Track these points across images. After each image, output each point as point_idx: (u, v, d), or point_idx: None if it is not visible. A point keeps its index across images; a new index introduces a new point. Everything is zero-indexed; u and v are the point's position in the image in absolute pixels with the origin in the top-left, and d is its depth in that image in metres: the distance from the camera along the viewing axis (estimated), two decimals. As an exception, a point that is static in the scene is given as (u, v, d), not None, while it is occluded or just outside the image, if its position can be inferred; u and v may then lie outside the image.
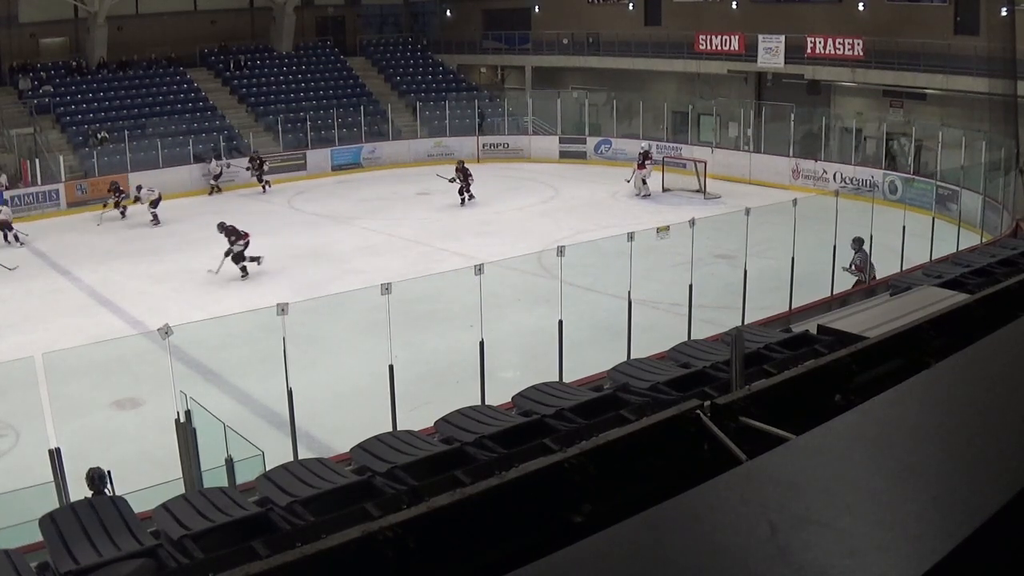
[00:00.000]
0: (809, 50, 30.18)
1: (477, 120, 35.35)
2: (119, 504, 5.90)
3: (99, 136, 30.52)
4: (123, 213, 26.36)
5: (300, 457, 8.63)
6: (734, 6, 33.40)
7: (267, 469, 6.78)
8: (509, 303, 16.18)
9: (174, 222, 25.76)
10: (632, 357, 10.02)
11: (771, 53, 31.24)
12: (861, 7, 29.86)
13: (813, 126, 29.51)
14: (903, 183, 25.48)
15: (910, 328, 3.79)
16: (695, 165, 28.55)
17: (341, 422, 11.38)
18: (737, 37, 32.40)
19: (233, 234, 19.74)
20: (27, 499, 7.36)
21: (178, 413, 8.23)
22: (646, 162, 27.69)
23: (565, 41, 38.33)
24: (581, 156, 34.13)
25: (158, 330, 8.87)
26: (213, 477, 7.95)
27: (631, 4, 36.96)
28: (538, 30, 39.43)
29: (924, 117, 28.23)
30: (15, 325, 16.90)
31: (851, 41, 29.24)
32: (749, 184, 28.93)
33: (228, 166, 30.16)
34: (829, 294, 14.67)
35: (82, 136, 30.69)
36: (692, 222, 13.21)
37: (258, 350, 12.95)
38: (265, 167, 30.02)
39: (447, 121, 34.86)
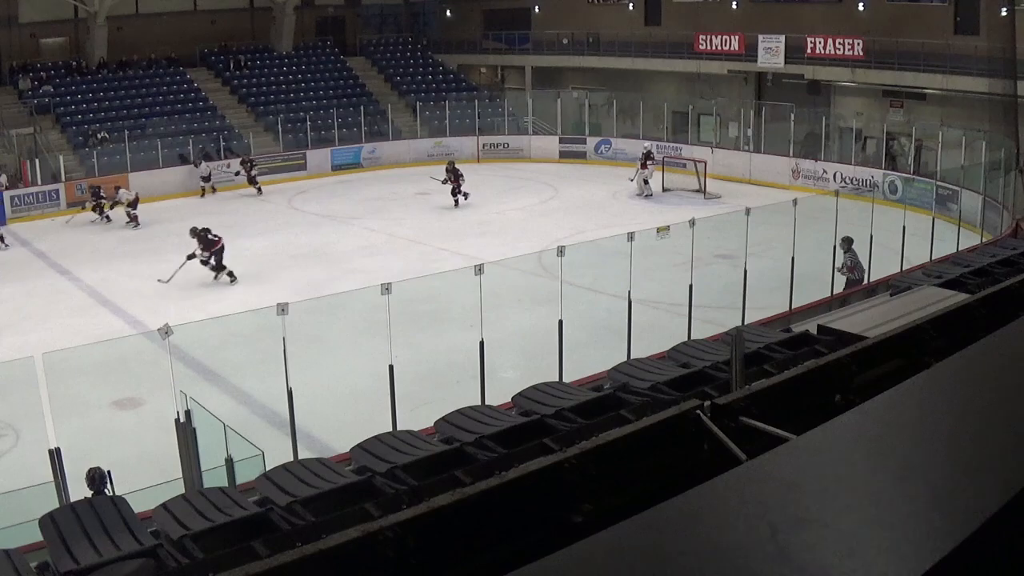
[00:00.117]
0: (809, 50, 30.18)
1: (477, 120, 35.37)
2: (119, 504, 5.90)
3: (99, 136, 30.51)
4: (103, 216, 25.91)
5: (300, 457, 8.63)
6: (734, 6, 33.40)
7: (267, 469, 6.79)
8: (509, 303, 16.18)
9: (173, 222, 25.74)
10: (632, 357, 10.02)
11: (771, 53, 31.24)
12: (861, 7, 29.86)
13: (813, 126, 29.51)
14: (903, 183, 25.48)
15: (910, 328, 3.79)
16: (695, 165, 28.56)
17: (341, 422, 11.37)
18: (737, 37, 32.40)
19: (203, 242, 19.25)
20: (27, 499, 7.35)
21: (178, 413, 8.22)
22: (648, 162, 27.68)
23: (565, 41, 38.33)
24: (581, 156, 34.13)
25: (158, 330, 8.86)
26: (213, 477, 7.95)
27: (631, 4, 36.96)
28: (538, 30, 39.43)
29: (924, 117, 28.24)
30: (15, 325, 16.91)
31: (851, 41, 29.24)
32: (749, 184, 28.94)
33: (209, 171, 29.63)
34: (829, 294, 14.68)
35: (82, 136, 30.69)
36: (692, 222, 13.21)
37: (258, 350, 12.94)
38: (254, 170, 29.63)
39: (447, 121, 34.86)
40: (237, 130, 33.05)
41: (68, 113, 31.97)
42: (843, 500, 1.62)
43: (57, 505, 6.93)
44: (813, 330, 8.25)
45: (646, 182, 27.58)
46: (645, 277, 13.59)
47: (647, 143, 30.52)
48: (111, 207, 25.90)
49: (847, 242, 15.34)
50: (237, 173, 29.76)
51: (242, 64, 36.65)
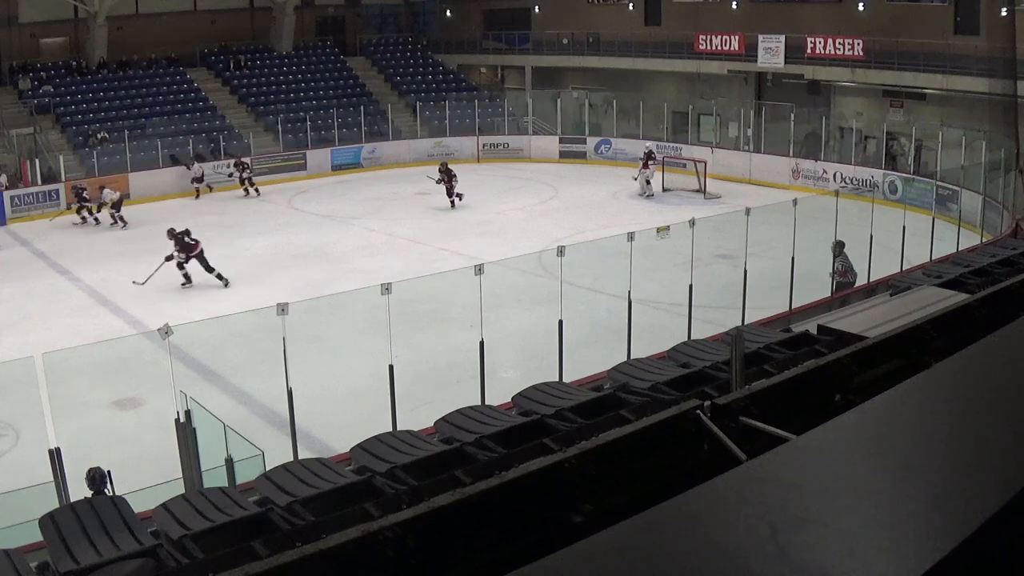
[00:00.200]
0: (809, 50, 30.18)
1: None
2: (119, 504, 5.90)
3: (99, 136, 30.51)
4: (85, 218, 25.64)
5: (300, 457, 8.63)
6: (734, 6, 33.40)
7: (267, 469, 6.79)
8: (509, 303, 16.18)
9: (173, 222, 25.70)
10: (632, 357, 10.02)
11: (771, 53, 31.24)
12: (861, 7, 29.87)
13: (814, 126, 29.51)
14: (903, 183, 25.48)
15: (910, 328, 3.79)
16: (695, 165, 28.55)
17: (341, 422, 11.37)
18: (737, 37, 32.40)
19: (180, 244, 19.00)
20: (27, 499, 7.35)
21: (178, 413, 8.22)
22: (649, 162, 27.68)
23: (565, 41, 38.33)
24: (581, 156, 34.13)
25: (158, 330, 8.86)
26: (213, 477, 7.95)
27: (631, 4, 36.97)
28: (538, 30, 39.43)
29: (924, 117, 28.24)
30: (15, 325, 16.91)
31: (851, 41, 29.25)
32: (749, 184, 28.94)
33: (202, 172, 29.34)
34: (829, 294, 14.67)
35: (82, 136, 30.69)
36: (692, 222, 13.21)
37: (258, 350, 12.94)
38: (245, 172, 29.25)
39: (447, 121, 34.86)
40: (237, 130, 33.04)
41: (68, 113, 31.97)
42: (843, 500, 1.62)
43: (57, 505, 6.93)
44: (813, 330, 8.25)
45: (648, 182, 27.58)
46: (645, 277, 13.59)
47: (649, 143, 30.50)
48: (98, 209, 25.66)
49: (839, 246, 15.17)
50: (231, 175, 29.53)
51: (242, 64, 36.65)
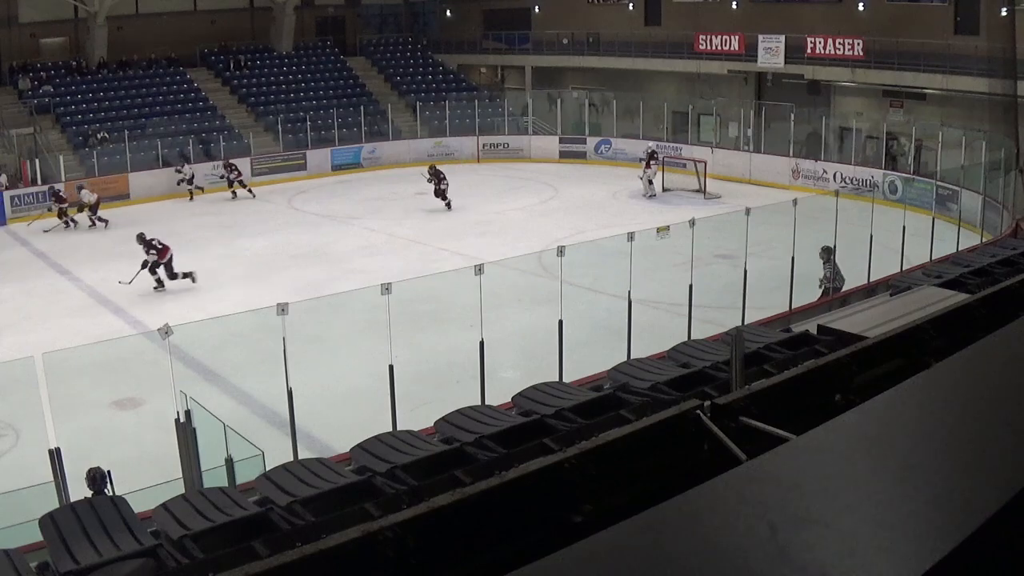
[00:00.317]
0: (809, 50, 30.18)
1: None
2: (119, 504, 5.90)
3: (99, 136, 30.51)
4: (67, 222, 25.23)
5: (300, 457, 8.63)
6: (734, 6, 33.40)
7: (267, 469, 6.79)
8: (509, 303, 16.18)
9: (173, 222, 25.77)
10: (632, 357, 10.02)
11: (771, 53, 31.24)
12: (861, 7, 29.87)
13: (814, 126, 29.51)
14: (903, 183, 25.48)
15: (910, 328, 3.79)
16: (695, 165, 28.55)
17: (341, 422, 11.37)
18: (737, 37, 32.40)
19: (149, 247, 18.88)
20: (27, 499, 7.35)
21: (178, 413, 8.23)
22: (651, 162, 27.67)
23: (565, 41, 38.33)
24: (581, 156, 34.13)
25: (158, 330, 8.87)
26: (213, 477, 7.95)
27: (631, 4, 36.97)
28: (538, 30, 39.43)
29: (924, 117, 28.24)
30: (15, 325, 16.91)
31: (851, 41, 29.25)
32: (749, 184, 28.93)
33: (191, 174, 28.90)
34: (816, 300, 14.67)
35: (82, 136, 30.69)
36: (692, 222, 13.21)
37: (258, 350, 12.94)
38: (233, 173, 28.74)
39: (447, 121, 34.86)
40: (237, 130, 33.04)
41: (68, 113, 31.98)
42: (843, 500, 1.62)
43: (57, 505, 6.93)
44: (813, 330, 8.25)
45: (651, 182, 27.57)
46: (645, 277, 13.59)
47: (651, 143, 30.46)
48: (79, 211, 25.34)
49: (827, 252, 15.02)
50: (222, 176, 29.00)
51: (242, 64, 36.66)
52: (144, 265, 18.84)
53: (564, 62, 38.53)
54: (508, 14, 40.82)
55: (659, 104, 33.38)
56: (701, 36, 33.33)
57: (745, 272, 14.22)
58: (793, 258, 14.60)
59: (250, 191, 28.98)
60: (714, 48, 33.07)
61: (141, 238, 19.13)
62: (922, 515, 1.55)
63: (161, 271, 18.92)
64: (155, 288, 18.90)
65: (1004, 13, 25.00)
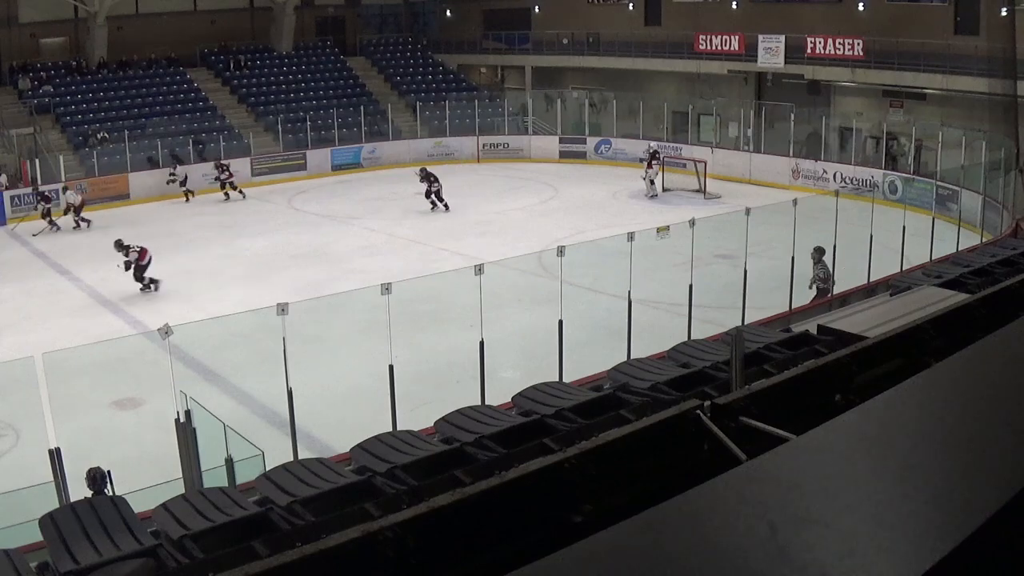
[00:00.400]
0: (809, 50, 30.18)
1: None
2: (119, 504, 5.90)
3: (99, 136, 30.50)
4: (51, 223, 25.00)
5: (300, 457, 8.63)
6: (734, 6, 33.41)
7: (267, 469, 6.78)
8: (509, 303, 16.18)
9: (174, 222, 25.79)
10: (632, 357, 10.02)
11: (771, 53, 31.24)
12: (861, 7, 29.87)
13: (815, 126, 29.51)
14: (903, 183, 25.49)
15: (910, 328, 3.79)
16: (695, 165, 28.55)
17: (341, 422, 11.38)
18: (737, 37, 32.40)
19: (127, 252, 18.73)
20: (27, 499, 7.35)
21: (178, 413, 8.23)
22: (653, 162, 27.67)
23: (565, 41, 38.33)
24: (581, 156, 34.13)
25: (158, 330, 8.87)
26: (213, 477, 7.95)
27: (631, 4, 36.97)
28: (538, 30, 39.44)
29: (924, 117, 28.25)
30: (15, 325, 16.91)
31: (851, 41, 29.25)
32: (749, 184, 28.94)
33: (185, 175, 28.59)
34: (829, 294, 14.67)
35: (82, 136, 30.69)
36: (692, 222, 13.21)
37: (258, 350, 12.95)
38: (224, 174, 28.42)
39: (447, 121, 34.86)
40: (237, 130, 33.05)
41: (68, 113, 31.98)
42: (843, 500, 1.62)
43: (57, 505, 6.93)
44: (813, 330, 8.25)
45: (652, 182, 27.57)
46: (645, 277, 13.60)
47: (653, 143, 30.43)
48: (65, 212, 25.20)
49: (818, 252, 14.89)
50: (216, 178, 28.63)
51: (242, 64, 36.66)
52: (128, 267, 18.66)
53: (564, 62, 38.54)
54: (508, 14, 40.82)
55: (659, 104, 33.38)
56: (701, 36, 33.34)
57: (745, 272, 14.22)
58: (793, 258, 14.60)
59: (240, 192, 28.62)
60: (714, 48, 33.07)
61: (119, 244, 18.93)
62: (922, 515, 1.55)
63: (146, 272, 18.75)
64: (142, 289, 18.71)
65: (1004, 13, 25.01)
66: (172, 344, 9.07)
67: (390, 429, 8.54)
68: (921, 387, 2.22)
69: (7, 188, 27.02)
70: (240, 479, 7.74)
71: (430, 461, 6.31)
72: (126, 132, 30.27)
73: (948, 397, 2.19)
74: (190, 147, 30.58)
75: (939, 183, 24.19)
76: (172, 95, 34.12)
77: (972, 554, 1.43)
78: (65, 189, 25.84)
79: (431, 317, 15.36)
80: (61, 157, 28.41)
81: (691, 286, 13.49)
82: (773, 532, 1.50)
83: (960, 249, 16.37)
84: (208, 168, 29.29)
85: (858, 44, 29.13)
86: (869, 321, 7.67)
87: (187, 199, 28.54)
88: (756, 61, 31.77)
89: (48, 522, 5.59)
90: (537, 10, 40.26)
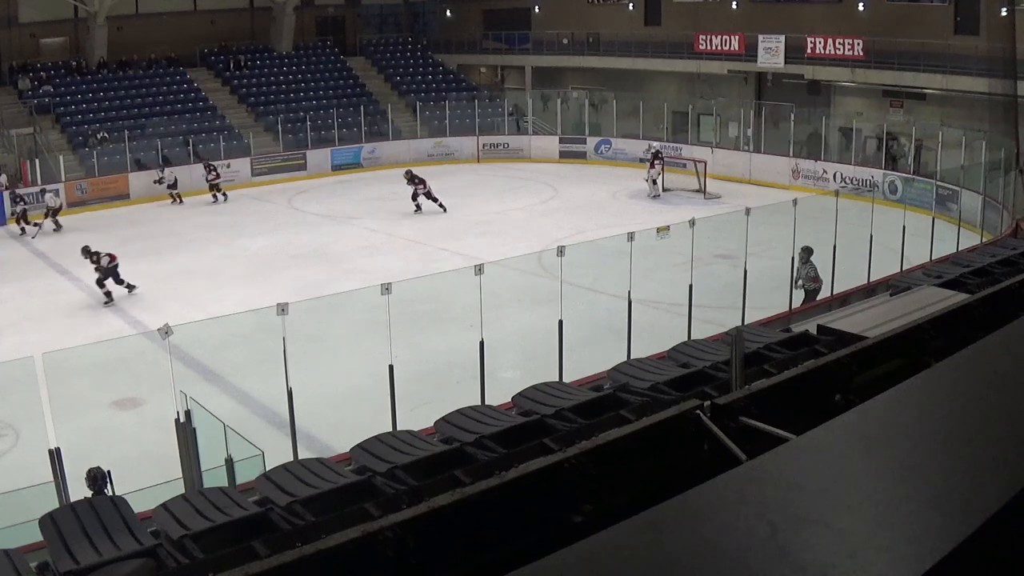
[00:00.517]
0: (809, 50, 30.18)
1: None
2: (119, 504, 5.90)
3: (99, 136, 30.50)
4: (24, 229, 24.77)
5: (300, 457, 8.63)
6: (734, 6, 33.41)
7: (267, 469, 6.79)
8: (509, 303, 16.18)
9: (174, 222, 25.80)
10: (632, 357, 10.02)
11: (771, 53, 31.24)
12: (861, 7, 29.87)
13: (814, 126, 29.51)
14: (903, 183, 25.48)
15: (910, 328, 3.79)
16: (695, 165, 28.55)
17: (341, 422, 11.38)
18: (737, 37, 32.40)
19: (91, 256, 18.48)
20: (27, 499, 7.36)
21: (178, 413, 8.23)
22: (655, 162, 27.67)
23: (565, 41, 38.33)
24: (581, 156, 34.13)
25: (158, 330, 8.87)
26: (213, 477, 7.95)
27: (631, 4, 36.97)
28: (538, 30, 39.44)
29: (924, 117, 28.24)
30: (15, 325, 16.91)
31: (851, 41, 29.25)
32: (749, 184, 28.94)
33: (175, 178, 28.30)
34: (829, 294, 14.67)
35: (82, 136, 30.69)
36: (692, 222, 13.22)
37: (258, 350, 12.95)
38: (212, 174, 28.18)
39: (447, 121, 34.87)
40: (237, 130, 33.04)
41: (68, 113, 31.98)
42: (843, 500, 1.62)
43: (57, 505, 6.93)
44: (813, 330, 8.25)
45: (654, 182, 27.57)
46: (645, 277, 13.60)
47: (655, 144, 30.42)
48: (46, 215, 25.06)
49: (807, 252, 14.75)
50: (206, 178, 28.37)
51: (242, 64, 36.66)
52: (106, 276, 18.34)
53: (564, 62, 38.53)
54: (508, 14, 40.82)
55: (659, 104, 33.38)
56: (701, 36, 33.34)
57: (745, 272, 14.22)
58: (793, 258, 14.61)
59: (224, 195, 28.30)
60: (714, 48, 33.07)
61: (86, 251, 18.64)
62: (922, 515, 1.55)
63: (110, 282, 18.39)
64: (129, 291, 18.47)
65: (1004, 13, 25.01)
66: (172, 344, 9.07)
67: (390, 429, 8.54)
68: (921, 387, 2.22)
69: (7, 188, 27.01)
70: (240, 479, 7.75)
71: (430, 461, 6.31)
72: (126, 132, 30.27)
73: (948, 397, 2.19)
74: (190, 147, 30.52)
75: (939, 183, 24.19)
76: (172, 95, 34.12)
77: (972, 554, 1.43)
78: (44, 192, 25.70)
79: (431, 317, 15.36)
80: (61, 157, 28.41)
81: (691, 286, 13.49)
82: (773, 532, 1.50)
83: (960, 249, 16.37)
84: (199, 171, 29.14)
85: (858, 44, 29.13)
86: (869, 321, 7.66)
87: (174, 201, 28.06)
88: (756, 61, 31.77)
89: (48, 522, 5.59)
90: (537, 10, 40.26)
